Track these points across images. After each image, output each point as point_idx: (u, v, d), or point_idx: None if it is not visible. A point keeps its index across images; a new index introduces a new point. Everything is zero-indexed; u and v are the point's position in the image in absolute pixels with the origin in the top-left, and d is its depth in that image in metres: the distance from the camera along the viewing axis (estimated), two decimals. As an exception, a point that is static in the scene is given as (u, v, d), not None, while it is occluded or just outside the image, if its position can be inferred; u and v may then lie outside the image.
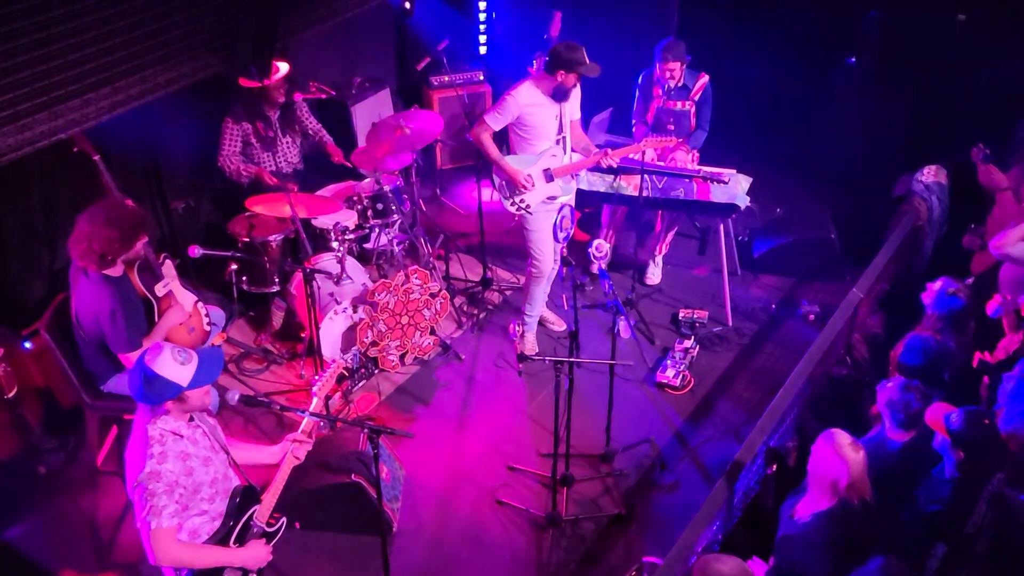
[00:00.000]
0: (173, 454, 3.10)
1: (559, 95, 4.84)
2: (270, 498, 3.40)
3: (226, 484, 3.31)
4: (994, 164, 5.35)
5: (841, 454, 3.33)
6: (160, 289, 4.28)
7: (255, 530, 3.36)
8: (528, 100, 4.85)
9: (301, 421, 3.48)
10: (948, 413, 3.58)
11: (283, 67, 5.42)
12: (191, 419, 3.23)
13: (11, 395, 4.46)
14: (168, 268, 4.39)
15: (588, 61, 4.74)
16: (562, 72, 4.75)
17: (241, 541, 3.33)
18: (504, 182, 5.02)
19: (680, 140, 5.67)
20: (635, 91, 5.81)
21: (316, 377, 3.59)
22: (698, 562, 3.08)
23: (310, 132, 5.88)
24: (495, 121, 4.92)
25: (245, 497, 3.37)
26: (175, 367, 3.07)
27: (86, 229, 3.91)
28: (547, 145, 5.00)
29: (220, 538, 3.29)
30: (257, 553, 3.35)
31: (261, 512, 3.38)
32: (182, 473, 3.11)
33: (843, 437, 3.39)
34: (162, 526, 3.06)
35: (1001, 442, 3.59)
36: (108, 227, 3.91)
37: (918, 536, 3.56)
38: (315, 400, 3.52)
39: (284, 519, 3.50)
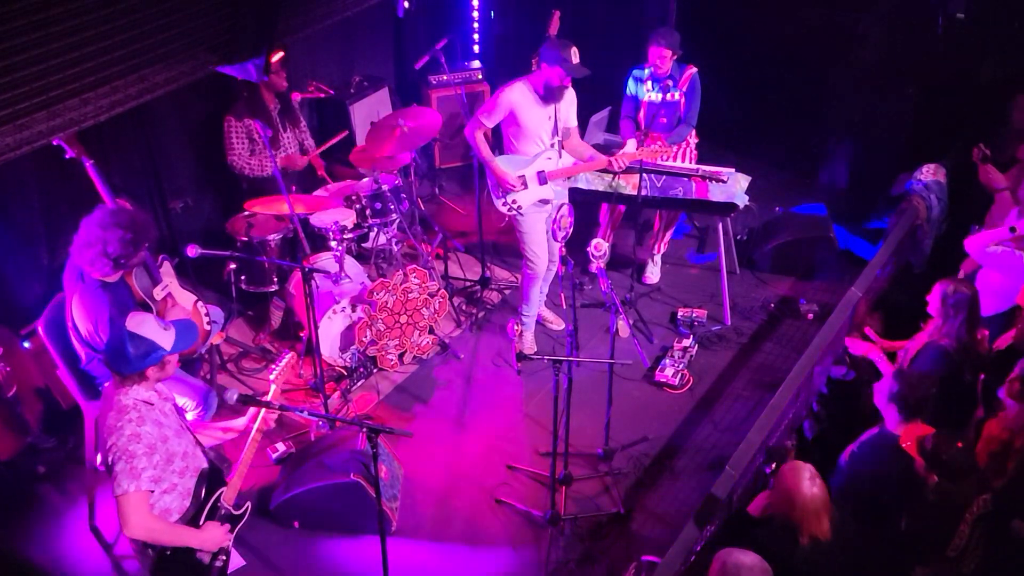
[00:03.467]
0: (150, 419, 3.15)
1: (548, 94, 4.83)
2: (236, 480, 3.44)
3: (195, 462, 3.34)
4: (992, 164, 5.37)
5: (798, 488, 3.27)
6: (158, 292, 4.26)
7: (222, 512, 3.38)
8: (519, 99, 4.85)
9: (269, 407, 3.53)
10: (922, 436, 3.57)
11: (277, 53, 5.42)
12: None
13: (11, 394, 4.47)
14: (166, 269, 4.38)
15: (575, 61, 4.71)
16: (545, 65, 4.75)
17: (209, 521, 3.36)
18: (495, 182, 5.03)
19: (665, 142, 5.68)
20: (625, 88, 5.81)
21: (272, 366, 3.63)
22: (719, 553, 3.08)
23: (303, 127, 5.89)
24: (487, 118, 4.92)
25: (212, 478, 3.40)
26: (159, 331, 3.15)
27: (98, 233, 3.82)
28: (540, 147, 5.00)
29: (191, 518, 3.30)
30: (214, 535, 3.35)
31: (227, 494, 3.42)
32: (159, 439, 3.15)
33: (803, 472, 3.31)
34: (141, 488, 3.08)
35: (975, 464, 3.58)
36: (120, 229, 3.85)
37: (897, 558, 3.55)
38: (272, 388, 3.59)
39: (249, 504, 3.52)
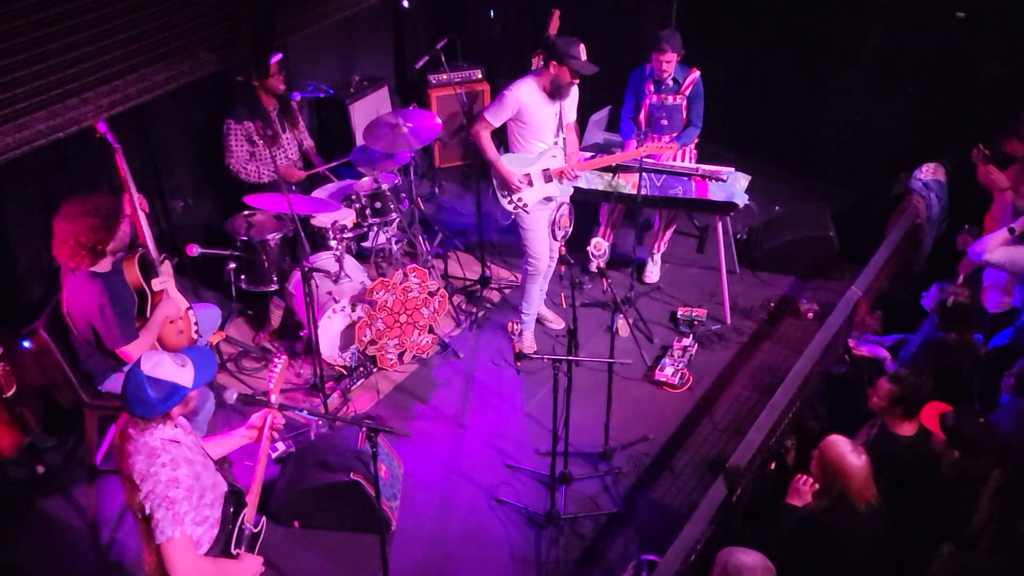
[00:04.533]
0: (181, 459, 3.07)
1: (555, 92, 4.83)
2: (254, 499, 3.39)
3: (220, 489, 3.29)
4: (993, 164, 5.36)
5: (845, 462, 3.37)
6: (156, 284, 4.26)
7: (247, 533, 3.34)
8: (527, 97, 4.85)
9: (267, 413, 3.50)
10: (944, 412, 3.58)
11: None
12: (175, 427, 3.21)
13: (10, 394, 4.46)
14: (166, 268, 4.39)
15: (583, 58, 4.73)
16: (554, 64, 4.75)
17: (239, 546, 3.31)
18: (501, 182, 5.03)
19: (672, 139, 5.70)
20: (627, 88, 5.81)
21: (270, 372, 3.60)
22: (721, 553, 3.08)
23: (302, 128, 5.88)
24: (494, 117, 4.92)
25: (236, 501, 3.35)
26: (176, 369, 3.03)
27: (66, 226, 3.82)
28: (545, 145, 5.00)
29: (223, 546, 3.25)
30: (253, 565, 3.31)
31: (248, 514, 3.37)
32: (192, 477, 3.08)
33: (844, 445, 3.42)
34: (186, 533, 3.02)
35: (996, 440, 3.60)
36: (88, 217, 3.83)
37: (922, 536, 3.56)
38: (273, 396, 3.54)
39: (264, 518, 3.48)
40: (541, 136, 4.99)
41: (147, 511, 2.99)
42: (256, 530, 3.40)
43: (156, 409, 3.01)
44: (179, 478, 3.02)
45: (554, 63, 4.76)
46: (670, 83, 5.59)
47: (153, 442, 3.04)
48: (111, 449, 3.23)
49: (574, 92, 5.02)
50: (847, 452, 3.40)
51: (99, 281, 3.94)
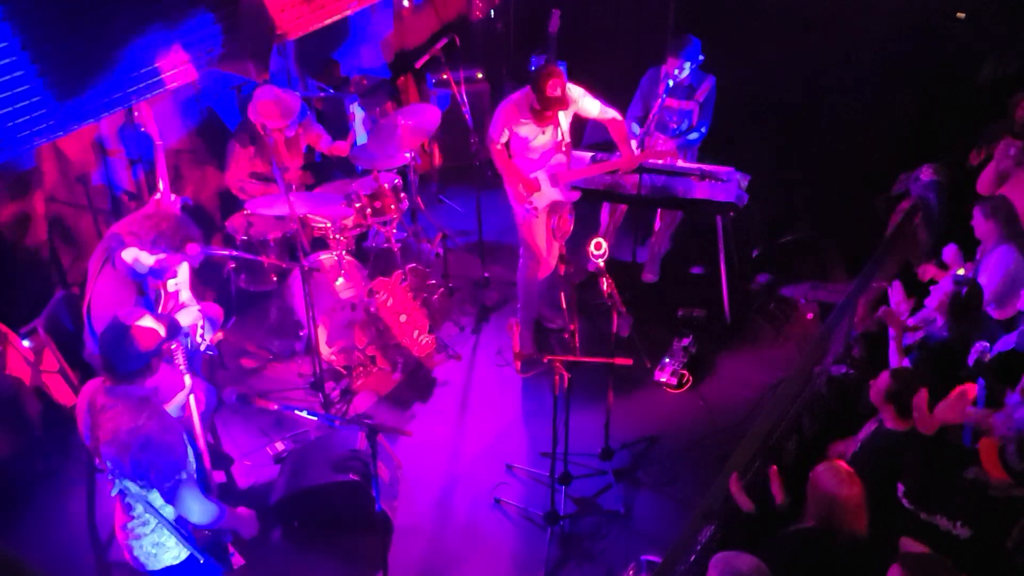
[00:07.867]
0: (160, 409, 3.12)
1: (536, 114, 4.79)
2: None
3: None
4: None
5: (838, 489, 3.28)
6: (171, 285, 4.26)
7: (215, 483, 3.40)
8: (510, 116, 4.89)
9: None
10: (1003, 445, 3.48)
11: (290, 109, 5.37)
12: None
13: (9, 393, 4.46)
14: (183, 270, 4.37)
15: (556, 94, 4.63)
16: (530, 88, 4.74)
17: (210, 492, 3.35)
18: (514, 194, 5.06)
19: (674, 148, 5.68)
20: (637, 90, 5.79)
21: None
22: (715, 559, 3.07)
23: (311, 146, 5.84)
24: (495, 132, 4.99)
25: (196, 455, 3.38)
26: (152, 320, 3.11)
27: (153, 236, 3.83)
28: (544, 149, 5.00)
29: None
30: (252, 519, 3.37)
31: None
32: (178, 422, 3.15)
33: (841, 472, 3.33)
34: (190, 473, 3.06)
35: None
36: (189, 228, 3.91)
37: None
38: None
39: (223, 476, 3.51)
40: (539, 147, 5.00)
41: (144, 465, 2.98)
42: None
43: (142, 358, 3.04)
44: (167, 424, 3.06)
45: (529, 88, 4.75)
46: (685, 87, 5.58)
47: (130, 401, 3.07)
48: (85, 431, 3.22)
49: (576, 94, 4.95)
50: (842, 480, 3.29)
51: (137, 283, 3.94)
